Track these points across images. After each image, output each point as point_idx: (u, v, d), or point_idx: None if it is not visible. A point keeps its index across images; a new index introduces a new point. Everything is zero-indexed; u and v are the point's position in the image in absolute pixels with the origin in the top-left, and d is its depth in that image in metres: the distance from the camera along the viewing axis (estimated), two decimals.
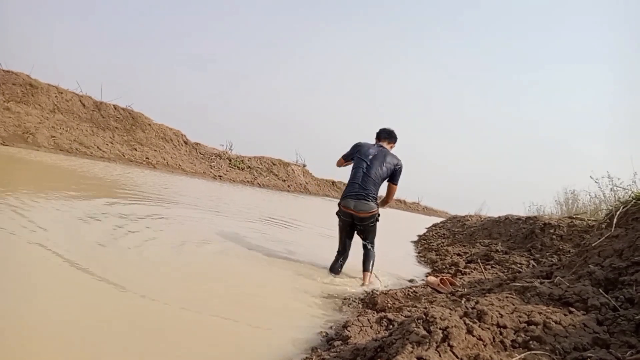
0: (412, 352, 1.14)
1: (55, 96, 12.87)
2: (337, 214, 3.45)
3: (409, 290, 2.93)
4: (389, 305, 2.48)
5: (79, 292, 1.99)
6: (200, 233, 4.07)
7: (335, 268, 3.44)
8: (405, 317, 1.99)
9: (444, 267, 4.46)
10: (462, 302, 2.09)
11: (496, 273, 3.62)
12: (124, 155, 12.77)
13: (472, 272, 3.81)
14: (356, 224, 3.34)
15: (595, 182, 4.93)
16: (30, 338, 1.47)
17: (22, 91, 11.82)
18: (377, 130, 3.61)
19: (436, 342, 1.16)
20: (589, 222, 4.41)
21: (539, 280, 2.00)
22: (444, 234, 8.54)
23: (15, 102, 11.23)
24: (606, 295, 1.53)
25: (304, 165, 23.40)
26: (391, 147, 3.56)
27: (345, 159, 3.59)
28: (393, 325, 1.86)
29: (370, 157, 3.37)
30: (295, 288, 2.83)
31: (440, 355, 1.11)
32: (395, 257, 5.36)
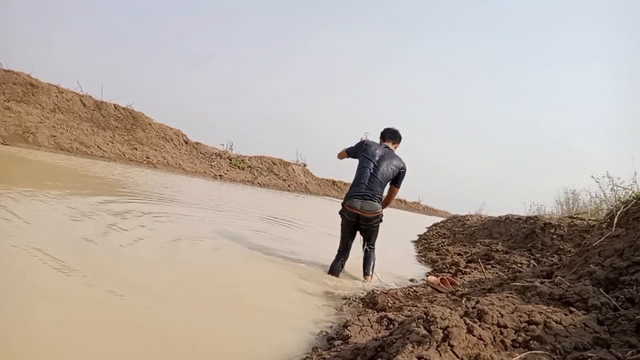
0: (412, 351, 1.14)
1: (56, 96, 12.88)
2: (340, 213, 3.42)
3: (409, 290, 2.92)
4: (390, 304, 2.48)
5: (64, 291, 1.92)
6: (200, 232, 4.07)
7: (336, 268, 3.43)
8: (406, 316, 1.99)
9: (444, 266, 4.46)
10: (463, 301, 2.09)
11: (497, 273, 3.62)
12: (124, 155, 12.78)
13: (472, 271, 3.81)
14: (361, 224, 3.33)
15: (597, 181, 4.94)
16: (14, 339, 1.43)
17: (22, 91, 11.83)
18: (382, 130, 3.60)
19: (437, 342, 1.16)
20: (590, 221, 4.41)
21: (539, 280, 2.00)
22: (444, 234, 8.54)
23: (15, 102, 11.24)
24: (607, 295, 1.53)
25: (305, 165, 23.40)
26: (395, 148, 3.56)
27: (349, 154, 3.56)
28: (393, 325, 1.86)
29: (377, 157, 3.36)
30: (295, 288, 2.83)
31: (440, 355, 1.11)
32: (395, 257, 5.36)
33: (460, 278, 3.48)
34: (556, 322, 1.31)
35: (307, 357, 1.67)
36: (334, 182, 25.78)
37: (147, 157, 13.62)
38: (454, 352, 1.12)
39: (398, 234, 9.04)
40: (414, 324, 1.29)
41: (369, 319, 1.98)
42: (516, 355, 1.15)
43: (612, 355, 1.11)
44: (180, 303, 2.09)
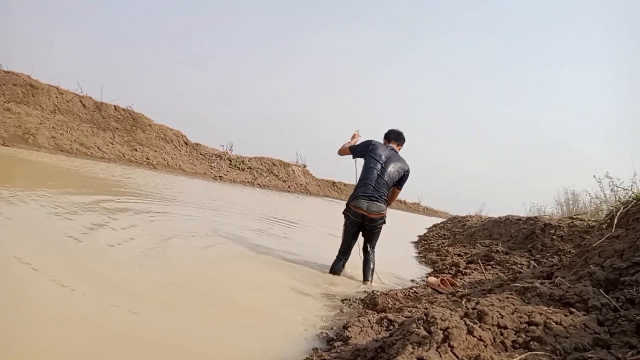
0: (412, 352, 1.14)
1: (56, 97, 12.89)
2: (345, 213, 3.40)
3: (409, 291, 2.92)
4: (390, 305, 2.48)
5: (36, 293, 1.80)
6: (200, 231, 4.07)
7: (337, 268, 3.42)
8: (406, 317, 1.99)
9: (444, 267, 4.46)
10: (463, 302, 2.08)
11: (497, 273, 3.62)
12: (124, 156, 12.78)
13: (472, 272, 3.81)
14: (366, 224, 3.32)
15: (598, 181, 4.96)
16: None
17: (22, 92, 11.84)
18: (386, 131, 3.61)
19: (437, 343, 1.16)
20: (590, 222, 4.41)
21: (539, 281, 2.00)
22: (444, 235, 8.54)
23: (15, 103, 11.24)
24: (607, 296, 1.53)
25: (305, 166, 23.42)
26: (399, 149, 3.57)
27: (353, 153, 3.53)
28: (393, 326, 1.86)
29: (385, 159, 3.37)
30: (295, 288, 2.82)
31: (440, 356, 1.11)
32: (395, 258, 5.36)
33: (461, 279, 3.48)
34: (556, 322, 1.31)
35: (307, 357, 1.67)
36: (333, 183, 25.79)
37: (147, 158, 13.63)
38: (454, 353, 1.13)
39: (398, 235, 9.04)
40: (414, 325, 1.29)
41: (369, 320, 1.98)
42: (516, 356, 1.15)
43: (612, 356, 1.11)
44: (170, 307, 1.98)
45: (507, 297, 1.72)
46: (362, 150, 3.47)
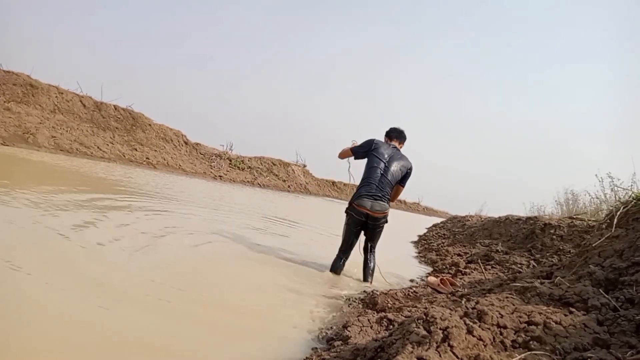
0: (412, 352, 1.14)
1: (56, 96, 12.89)
2: (347, 212, 3.39)
3: (409, 291, 2.92)
4: (389, 305, 2.48)
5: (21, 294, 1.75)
6: (200, 231, 4.07)
7: (337, 266, 3.42)
8: (406, 317, 1.99)
9: (444, 267, 4.46)
10: (463, 302, 2.08)
11: (496, 273, 3.62)
12: (124, 156, 12.79)
13: (472, 272, 3.81)
14: (369, 223, 3.32)
15: (600, 181, 4.98)
16: None
17: (22, 91, 11.84)
18: (388, 130, 3.61)
19: (436, 342, 1.16)
20: (590, 222, 4.41)
21: (539, 281, 2.00)
22: (444, 234, 8.54)
23: (15, 103, 11.24)
24: (606, 296, 1.53)
25: (304, 166, 23.42)
26: (400, 147, 3.57)
27: (355, 154, 3.52)
28: (393, 326, 1.86)
29: (388, 157, 3.37)
30: (295, 287, 2.82)
31: (440, 356, 1.11)
32: (395, 257, 5.35)
33: (460, 279, 3.48)
34: (556, 322, 1.31)
35: (307, 357, 1.67)
36: (333, 182, 25.80)
37: (147, 158, 13.63)
38: (453, 353, 1.13)
39: (398, 235, 9.04)
40: (414, 325, 1.29)
41: (368, 320, 1.98)
42: (516, 355, 1.15)
43: (612, 355, 1.11)
44: (169, 307, 1.95)
45: (507, 297, 1.72)
46: (364, 150, 3.46)
